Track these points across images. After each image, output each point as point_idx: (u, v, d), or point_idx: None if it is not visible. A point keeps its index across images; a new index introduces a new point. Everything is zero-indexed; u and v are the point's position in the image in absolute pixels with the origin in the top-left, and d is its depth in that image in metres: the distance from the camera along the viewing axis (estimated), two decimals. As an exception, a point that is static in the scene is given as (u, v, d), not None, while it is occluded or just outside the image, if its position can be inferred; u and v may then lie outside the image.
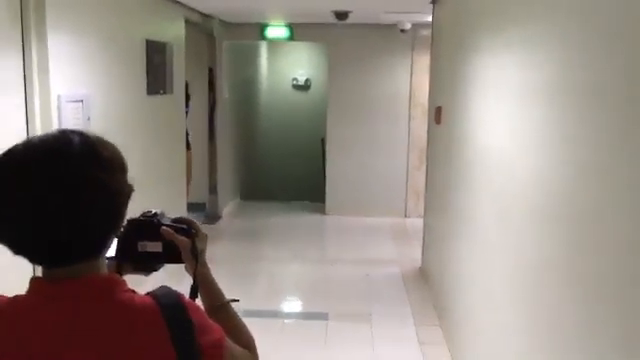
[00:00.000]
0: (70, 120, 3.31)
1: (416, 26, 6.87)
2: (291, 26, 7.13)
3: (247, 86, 8.80)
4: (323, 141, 8.02)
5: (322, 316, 4.47)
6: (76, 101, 3.39)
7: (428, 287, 5.01)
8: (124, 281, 1.09)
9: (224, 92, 7.26)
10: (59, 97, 3.21)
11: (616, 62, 1.63)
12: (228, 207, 7.68)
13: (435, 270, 4.76)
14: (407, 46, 7.23)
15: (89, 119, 3.53)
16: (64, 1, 3.27)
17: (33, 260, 1.05)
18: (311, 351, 3.98)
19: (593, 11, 1.82)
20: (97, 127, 3.59)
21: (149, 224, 1.28)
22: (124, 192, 1.06)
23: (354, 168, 7.54)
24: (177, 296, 1.08)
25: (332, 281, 5.32)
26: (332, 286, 5.20)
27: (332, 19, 6.12)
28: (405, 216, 7.52)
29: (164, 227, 1.27)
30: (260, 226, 7.36)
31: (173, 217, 1.32)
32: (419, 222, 6.91)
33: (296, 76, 10.07)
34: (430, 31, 6.11)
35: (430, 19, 5.56)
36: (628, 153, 1.54)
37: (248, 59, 8.93)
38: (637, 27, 1.51)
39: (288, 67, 10.10)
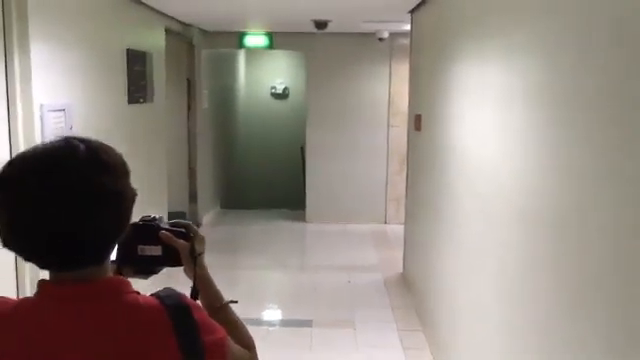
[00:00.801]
0: (52, 129, 3.29)
1: (394, 35, 6.96)
2: (270, 34, 7.17)
3: (226, 95, 8.80)
4: (302, 149, 8.05)
5: (306, 323, 4.49)
6: (58, 110, 3.37)
7: (410, 293, 5.06)
8: (129, 283, 1.12)
9: (203, 101, 7.26)
10: (42, 106, 3.19)
11: (597, 66, 1.68)
12: (208, 215, 7.66)
13: (417, 276, 4.81)
14: (385, 55, 7.32)
15: (71, 128, 3.51)
16: (46, 10, 3.26)
17: (43, 266, 1.07)
18: (296, 358, 4.00)
19: (572, 18, 1.88)
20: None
21: (149, 228, 1.30)
22: (129, 196, 1.09)
23: (334, 176, 7.58)
24: (181, 297, 1.11)
25: (315, 288, 5.34)
26: (315, 293, 5.22)
27: (312, 28, 6.17)
28: (385, 222, 7.58)
29: (163, 231, 1.30)
30: (241, 234, 7.36)
31: (171, 221, 1.35)
32: (399, 228, 6.97)
33: (274, 85, 10.11)
34: (408, 40, 6.19)
35: (408, 28, 5.64)
36: (610, 155, 1.59)
37: (226, 68, 8.94)
38: (615, 33, 1.57)
39: (266, 76, 10.14)
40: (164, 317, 1.05)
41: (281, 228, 7.59)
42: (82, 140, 1.09)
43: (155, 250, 1.30)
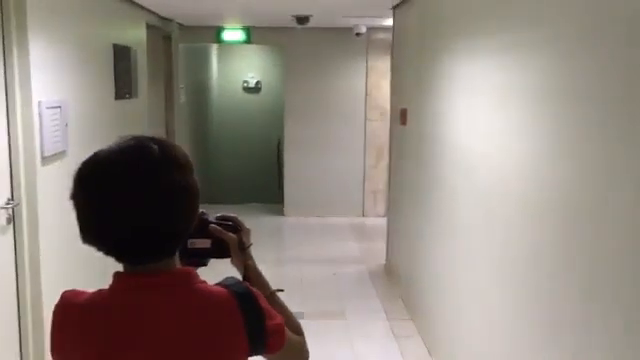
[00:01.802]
0: (50, 126, 3.26)
1: (371, 30, 7.05)
2: (248, 29, 7.17)
3: (198, 89, 8.76)
4: (279, 143, 8.07)
5: (298, 315, 4.49)
6: (55, 107, 3.34)
7: (395, 283, 5.17)
8: (197, 273, 1.19)
9: (181, 96, 7.22)
10: (40, 103, 3.16)
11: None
12: (186, 211, 7.62)
13: (403, 266, 4.91)
14: (362, 49, 7.40)
15: (67, 125, 3.49)
16: (43, 8, 3.23)
17: (120, 259, 1.13)
18: (291, 350, 4.05)
19: (565, 16, 1.97)
20: (72, 133, 3.54)
21: (198, 222, 1.35)
22: (196, 191, 1.15)
23: (312, 169, 7.64)
24: (246, 285, 1.19)
25: (302, 281, 5.40)
26: (303, 286, 5.28)
27: (291, 23, 6.20)
28: (363, 215, 7.69)
29: (212, 225, 1.36)
30: (220, 229, 7.32)
31: (217, 214, 1.42)
32: (377, 221, 7.11)
33: (246, 79, 10.11)
34: (384, 35, 6.29)
35: (385, 23, 5.73)
36: (608, 145, 1.68)
37: (198, 62, 8.89)
38: (607, 30, 1.66)
39: (238, 70, 10.13)
40: (233, 303, 1.13)
41: (260, 222, 7.59)
42: (152, 139, 1.14)
43: (205, 243, 1.37)
